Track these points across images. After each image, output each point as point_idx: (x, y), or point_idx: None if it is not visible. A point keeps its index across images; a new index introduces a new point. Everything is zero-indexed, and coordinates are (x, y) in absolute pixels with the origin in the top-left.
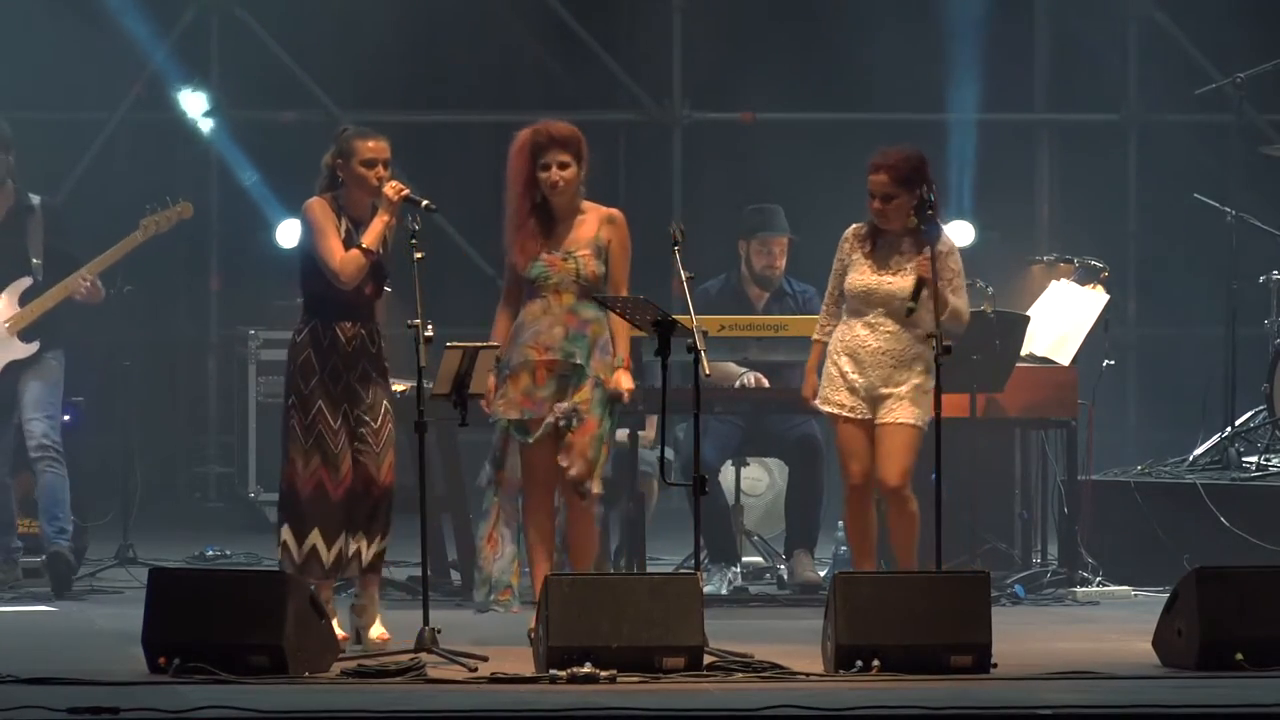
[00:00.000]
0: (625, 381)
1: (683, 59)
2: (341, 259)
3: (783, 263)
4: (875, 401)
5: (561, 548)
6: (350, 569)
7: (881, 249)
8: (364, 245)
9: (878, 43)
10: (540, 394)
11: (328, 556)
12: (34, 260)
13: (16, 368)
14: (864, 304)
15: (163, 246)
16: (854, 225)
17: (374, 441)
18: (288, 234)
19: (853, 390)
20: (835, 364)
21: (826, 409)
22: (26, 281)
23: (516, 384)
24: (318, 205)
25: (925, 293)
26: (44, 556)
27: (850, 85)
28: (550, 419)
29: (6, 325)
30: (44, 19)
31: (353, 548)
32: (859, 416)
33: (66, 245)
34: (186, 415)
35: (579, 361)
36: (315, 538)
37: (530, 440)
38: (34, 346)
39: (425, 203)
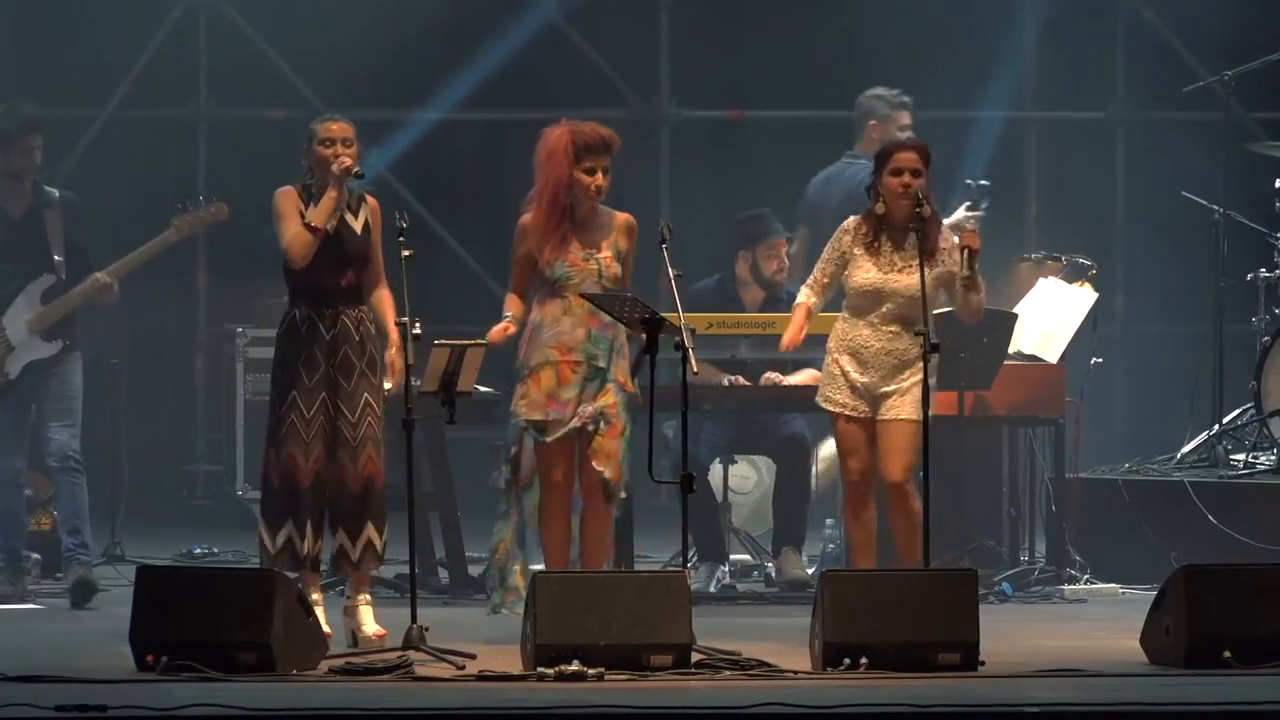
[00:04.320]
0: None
1: (670, 56)
2: (289, 237)
3: (788, 263)
4: (877, 400)
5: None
6: (341, 567)
7: (884, 246)
8: (310, 222)
9: (867, 41)
10: (565, 395)
11: (303, 548)
12: (56, 257)
13: (37, 368)
14: (870, 301)
15: (141, 243)
16: (853, 219)
17: (350, 435)
18: None
19: (854, 389)
20: (837, 362)
21: (827, 407)
22: (49, 280)
23: (538, 384)
24: (280, 193)
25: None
26: (70, 580)
27: (839, 83)
28: (576, 422)
29: (28, 324)
30: (32, 14)
31: (337, 544)
32: (859, 415)
33: (85, 238)
34: (174, 413)
35: (601, 364)
36: (289, 530)
37: (548, 440)
38: (56, 346)
39: (356, 169)
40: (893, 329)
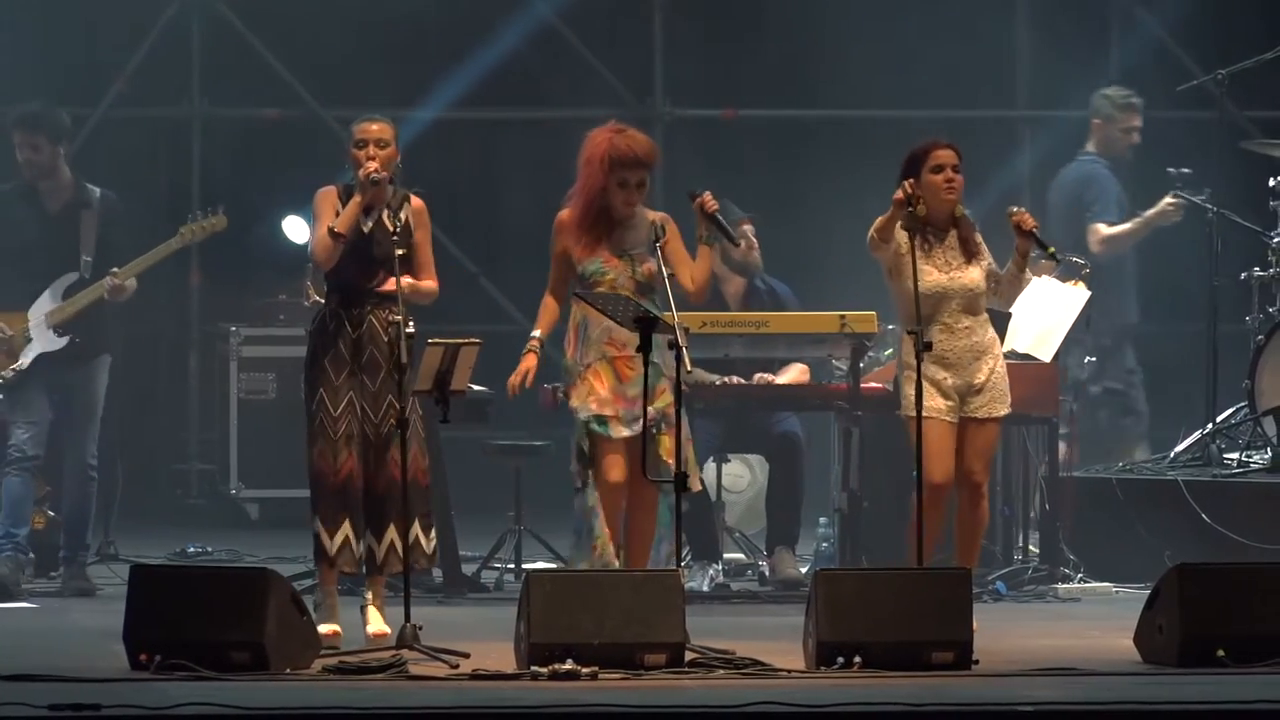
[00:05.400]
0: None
1: (664, 55)
2: (314, 240)
3: (755, 241)
4: (963, 399)
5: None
6: (369, 568)
7: (934, 247)
8: (333, 227)
9: (860, 40)
10: (631, 391)
11: (331, 545)
12: (85, 257)
13: (48, 361)
14: (936, 303)
15: (146, 242)
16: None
17: (374, 436)
18: (294, 228)
19: (946, 394)
20: (923, 371)
21: (915, 414)
22: (72, 277)
23: (601, 381)
24: (320, 193)
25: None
26: (69, 579)
27: (832, 83)
28: (644, 422)
29: (46, 318)
30: (26, 13)
31: (365, 546)
32: (950, 419)
33: (120, 237)
34: (168, 412)
35: (657, 359)
36: (317, 525)
37: (614, 437)
38: (64, 341)
39: (374, 174)
40: (966, 324)
